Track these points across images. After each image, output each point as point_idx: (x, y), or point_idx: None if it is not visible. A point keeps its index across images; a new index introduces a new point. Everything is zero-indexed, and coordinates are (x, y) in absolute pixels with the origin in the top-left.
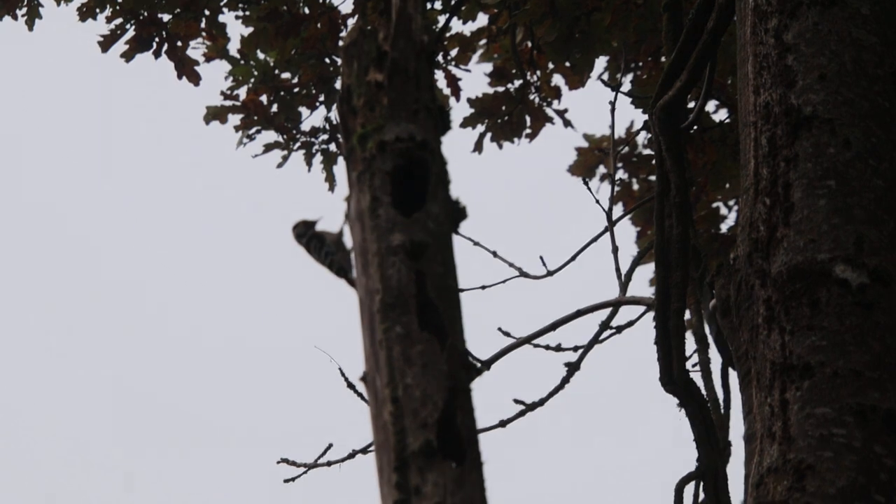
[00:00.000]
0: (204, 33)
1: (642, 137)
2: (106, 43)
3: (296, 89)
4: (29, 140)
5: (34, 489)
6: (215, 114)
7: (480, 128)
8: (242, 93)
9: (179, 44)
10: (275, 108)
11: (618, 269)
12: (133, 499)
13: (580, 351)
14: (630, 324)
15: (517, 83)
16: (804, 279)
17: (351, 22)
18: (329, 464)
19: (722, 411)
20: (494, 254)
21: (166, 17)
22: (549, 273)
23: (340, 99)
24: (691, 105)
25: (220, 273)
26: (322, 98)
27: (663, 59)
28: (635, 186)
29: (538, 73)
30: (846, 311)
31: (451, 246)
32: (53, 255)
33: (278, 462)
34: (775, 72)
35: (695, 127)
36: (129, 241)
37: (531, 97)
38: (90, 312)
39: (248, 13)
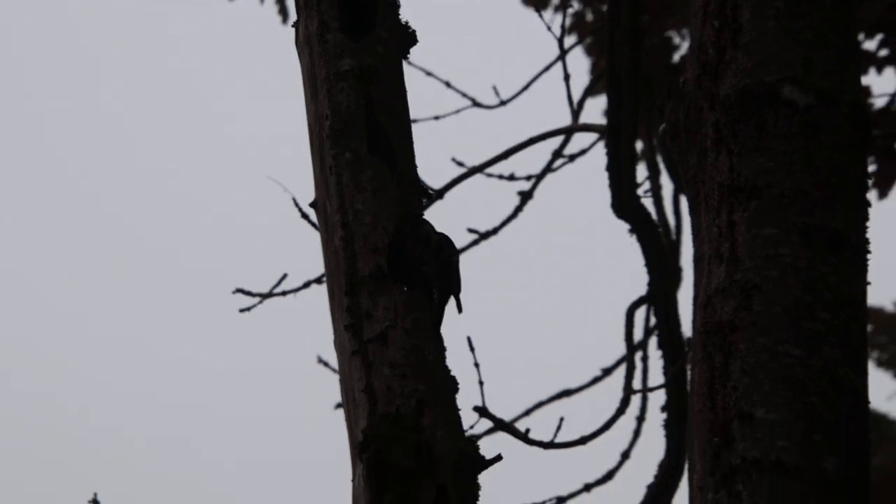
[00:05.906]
0: None
1: None
2: None
3: None
4: None
5: None
6: None
7: None
8: None
9: None
10: None
11: (570, 98)
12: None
13: (533, 180)
14: (583, 152)
15: None
16: (752, 101)
17: None
18: (284, 293)
19: (673, 237)
20: (448, 84)
21: None
22: (502, 102)
23: None
24: None
25: (172, 105)
26: None
27: None
28: (589, 17)
29: None
30: (793, 132)
31: (401, 71)
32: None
33: (234, 292)
34: None
35: None
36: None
37: None
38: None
39: None
